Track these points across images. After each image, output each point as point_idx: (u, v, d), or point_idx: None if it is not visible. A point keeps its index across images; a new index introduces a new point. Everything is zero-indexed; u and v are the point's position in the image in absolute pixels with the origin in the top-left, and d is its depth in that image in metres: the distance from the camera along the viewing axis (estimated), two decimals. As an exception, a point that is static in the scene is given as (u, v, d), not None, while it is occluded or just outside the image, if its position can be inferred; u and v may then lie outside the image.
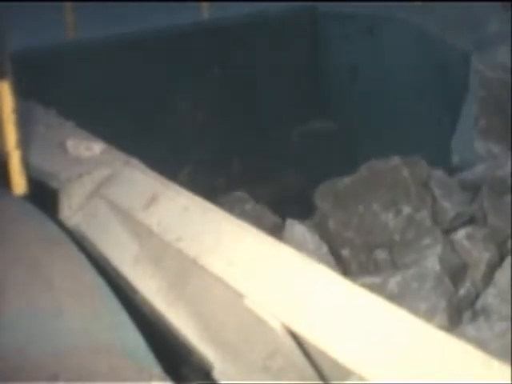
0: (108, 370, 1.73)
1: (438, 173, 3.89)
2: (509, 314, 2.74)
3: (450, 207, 3.67)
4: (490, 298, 2.99)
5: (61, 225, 2.59)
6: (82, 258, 2.27)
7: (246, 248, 2.06)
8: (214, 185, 5.23)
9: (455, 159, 4.42)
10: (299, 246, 3.07)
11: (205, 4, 6.36)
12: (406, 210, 3.63)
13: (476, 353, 1.52)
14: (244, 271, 1.98)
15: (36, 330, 1.87)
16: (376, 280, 3.18)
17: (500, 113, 4.12)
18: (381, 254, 3.54)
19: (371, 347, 1.64)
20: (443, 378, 1.50)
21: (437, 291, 3.07)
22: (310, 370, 1.81)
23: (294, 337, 1.80)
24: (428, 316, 2.83)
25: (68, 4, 5.70)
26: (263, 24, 6.37)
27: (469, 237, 3.41)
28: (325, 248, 3.45)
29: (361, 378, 1.61)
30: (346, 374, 1.66)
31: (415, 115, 5.44)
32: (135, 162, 2.80)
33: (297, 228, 3.56)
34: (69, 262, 2.24)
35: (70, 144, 2.97)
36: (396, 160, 3.88)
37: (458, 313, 3.03)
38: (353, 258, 3.61)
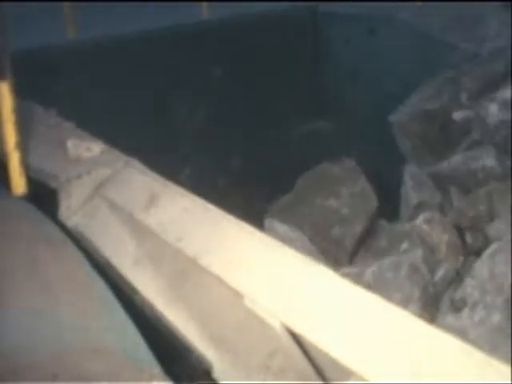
0: (108, 370, 1.73)
1: (412, 166, 4.07)
2: (488, 303, 2.76)
3: (415, 196, 3.80)
4: (468, 288, 3.01)
5: (60, 225, 2.59)
6: (81, 258, 2.27)
7: (245, 248, 2.05)
8: (213, 185, 5.22)
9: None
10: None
11: (205, 4, 6.37)
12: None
13: (476, 353, 1.52)
14: (244, 271, 1.98)
15: (35, 330, 1.87)
16: (353, 270, 3.20)
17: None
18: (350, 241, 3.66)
19: (371, 347, 1.64)
20: (443, 377, 1.50)
21: (411, 280, 3.10)
22: (309, 370, 1.82)
23: (294, 336, 1.80)
24: (402, 306, 2.87)
25: (68, 4, 5.70)
26: (263, 24, 6.37)
27: (427, 221, 3.49)
28: (306, 241, 3.48)
29: (361, 378, 1.60)
30: (346, 373, 1.66)
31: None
32: (135, 162, 2.80)
33: (276, 225, 3.62)
34: (68, 262, 2.24)
35: (70, 144, 2.97)
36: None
37: (434, 302, 3.05)
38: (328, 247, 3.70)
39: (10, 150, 2.72)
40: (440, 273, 3.23)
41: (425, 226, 3.47)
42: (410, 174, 4.03)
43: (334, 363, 1.67)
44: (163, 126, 5.59)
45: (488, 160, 3.83)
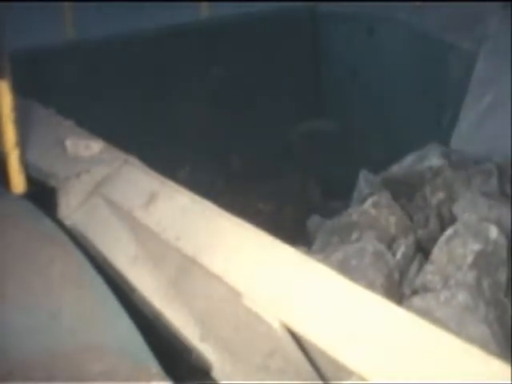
0: (106, 369, 1.72)
1: (364, 172, 4.16)
2: (451, 285, 2.80)
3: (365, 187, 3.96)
4: (429, 275, 3.04)
5: (59, 224, 2.59)
6: (80, 257, 2.27)
7: (245, 247, 2.05)
8: (213, 184, 5.22)
9: (454, 159, 4.42)
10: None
11: (204, 4, 6.37)
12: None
13: (476, 352, 1.52)
14: (243, 270, 1.98)
15: (32, 329, 1.87)
16: (318, 257, 3.22)
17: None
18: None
19: (371, 346, 1.63)
20: (443, 377, 1.50)
21: (375, 267, 3.11)
22: (309, 370, 1.81)
23: (294, 336, 1.80)
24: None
25: (68, 4, 5.71)
26: (263, 24, 6.37)
27: (374, 205, 3.54)
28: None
29: (361, 378, 1.60)
30: (346, 373, 1.65)
31: (415, 115, 5.44)
32: (134, 160, 2.79)
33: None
34: (67, 261, 2.24)
35: (69, 143, 2.96)
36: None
37: (397, 288, 3.08)
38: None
39: (9, 148, 2.71)
40: (399, 255, 3.26)
41: (372, 210, 3.51)
42: (365, 178, 4.12)
43: (334, 363, 1.67)
44: (163, 126, 5.59)
45: (434, 160, 3.88)
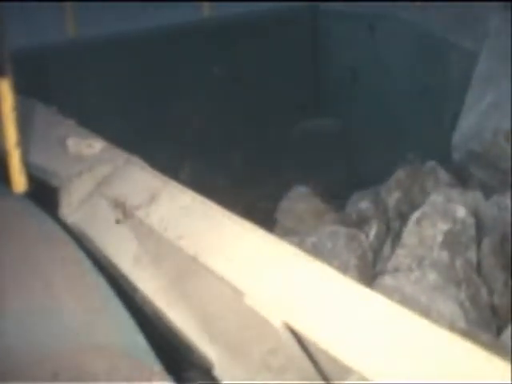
0: (109, 368, 1.73)
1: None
2: (422, 265, 2.87)
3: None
4: (400, 258, 3.11)
5: (61, 223, 2.59)
6: (81, 256, 2.27)
7: (246, 246, 2.05)
8: (214, 183, 5.22)
9: (455, 157, 4.43)
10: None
11: (206, 4, 6.36)
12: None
13: (477, 351, 1.52)
14: (245, 269, 1.98)
15: (35, 329, 1.87)
16: (294, 240, 3.25)
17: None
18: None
19: (372, 346, 1.63)
20: (444, 376, 1.50)
21: (348, 249, 3.15)
22: (310, 368, 1.81)
23: (295, 335, 1.80)
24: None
25: (69, 3, 5.70)
26: (264, 24, 6.37)
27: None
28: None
29: (361, 377, 1.60)
30: (347, 372, 1.66)
31: (415, 114, 5.44)
32: (136, 159, 2.79)
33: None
34: (69, 260, 2.24)
35: (71, 142, 2.96)
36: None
37: (370, 269, 3.16)
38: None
39: (10, 147, 2.71)
40: (371, 236, 3.31)
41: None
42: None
43: (335, 362, 1.67)
44: (164, 125, 5.59)
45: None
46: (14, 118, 2.70)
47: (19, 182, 2.73)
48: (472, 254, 3.07)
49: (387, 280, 2.91)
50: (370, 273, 3.19)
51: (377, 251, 3.34)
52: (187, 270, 2.17)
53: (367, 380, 1.58)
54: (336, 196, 4.64)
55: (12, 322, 1.90)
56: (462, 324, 2.64)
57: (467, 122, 4.53)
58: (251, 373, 1.88)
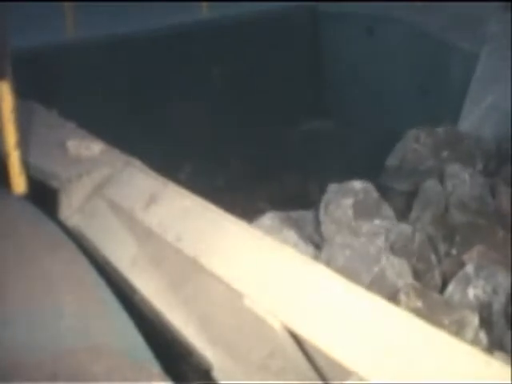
0: (107, 369, 1.73)
1: None
2: (348, 242, 3.00)
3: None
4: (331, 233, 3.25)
5: (60, 224, 2.59)
6: (81, 258, 2.27)
7: (245, 248, 2.06)
8: (213, 185, 5.22)
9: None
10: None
11: (205, 4, 6.37)
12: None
13: (476, 353, 1.52)
14: (244, 271, 1.98)
15: (35, 330, 1.87)
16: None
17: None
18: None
19: (371, 347, 1.64)
20: (443, 377, 1.50)
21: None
22: (309, 370, 1.82)
23: (294, 336, 1.80)
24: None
25: (68, 4, 5.71)
26: (263, 24, 6.37)
27: None
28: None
29: (360, 378, 1.61)
30: (346, 373, 1.66)
31: (415, 114, 5.44)
32: (135, 162, 2.80)
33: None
34: (68, 261, 2.24)
35: (71, 144, 2.97)
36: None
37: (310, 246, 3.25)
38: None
39: (9, 149, 2.71)
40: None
41: None
42: None
43: (334, 363, 1.67)
44: (163, 126, 5.59)
45: None
46: (14, 119, 2.70)
47: (19, 183, 2.73)
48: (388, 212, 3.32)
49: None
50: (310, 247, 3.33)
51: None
52: (186, 271, 2.18)
53: (366, 380, 1.59)
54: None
55: (11, 323, 1.90)
56: (409, 279, 2.80)
57: (467, 123, 4.53)
58: (250, 374, 1.88)
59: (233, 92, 6.02)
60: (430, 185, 3.58)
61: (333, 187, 3.42)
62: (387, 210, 3.33)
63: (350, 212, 3.25)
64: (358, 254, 2.89)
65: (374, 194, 3.34)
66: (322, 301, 1.79)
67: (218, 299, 2.04)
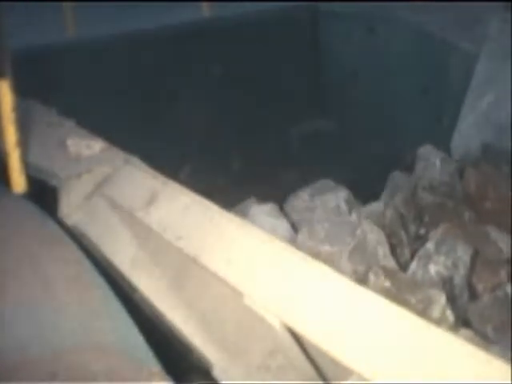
0: (107, 369, 1.72)
1: None
2: (325, 217, 3.21)
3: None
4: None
5: (60, 223, 2.59)
6: (81, 257, 2.27)
7: (246, 246, 2.05)
8: (213, 184, 5.22)
9: (455, 158, 4.43)
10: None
11: (205, 4, 6.37)
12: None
13: (476, 352, 1.52)
14: (244, 270, 1.98)
15: (34, 329, 1.87)
16: None
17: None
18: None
19: (371, 346, 1.63)
20: (443, 377, 1.50)
21: None
22: (309, 369, 1.81)
23: (294, 335, 1.80)
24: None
25: (68, 3, 5.71)
26: (263, 24, 6.37)
27: None
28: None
29: (361, 378, 1.60)
30: (346, 373, 1.66)
31: (415, 115, 5.45)
32: (135, 160, 2.79)
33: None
34: (68, 260, 2.24)
35: (70, 142, 2.96)
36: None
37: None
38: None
39: (9, 148, 2.71)
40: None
41: None
42: None
43: (334, 362, 1.67)
44: (163, 125, 5.59)
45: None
46: (14, 118, 2.70)
47: (19, 182, 2.73)
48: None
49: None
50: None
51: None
52: (186, 270, 2.17)
53: (367, 380, 1.58)
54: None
55: (11, 322, 1.90)
56: (391, 263, 2.87)
57: (467, 123, 4.53)
58: (250, 373, 1.88)
59: (232, 92, 6.02)
60: (397, 174, 3.77)
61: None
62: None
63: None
64: (337, 224, 3.03)
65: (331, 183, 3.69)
66: (322, 299, 1.79)
67: (218, 298, 2.03)
